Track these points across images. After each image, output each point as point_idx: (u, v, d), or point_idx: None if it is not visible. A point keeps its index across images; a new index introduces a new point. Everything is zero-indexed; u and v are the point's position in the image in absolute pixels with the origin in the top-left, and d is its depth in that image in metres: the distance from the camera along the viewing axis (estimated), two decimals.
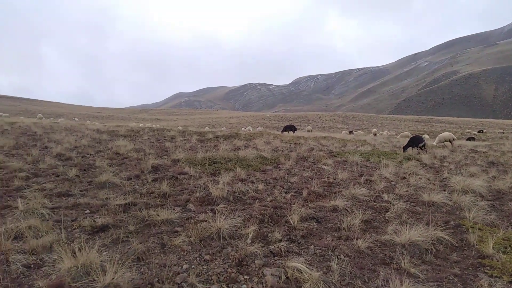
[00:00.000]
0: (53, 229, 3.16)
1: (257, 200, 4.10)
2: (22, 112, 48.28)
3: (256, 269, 2.48)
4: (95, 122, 24.79)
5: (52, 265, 2.50)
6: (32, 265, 2.52)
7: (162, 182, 4.70)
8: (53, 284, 2.22)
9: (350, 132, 29.08)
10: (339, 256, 2.69)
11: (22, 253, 2.64)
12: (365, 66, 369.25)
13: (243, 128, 26.83)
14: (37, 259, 2.60)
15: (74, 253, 2.54)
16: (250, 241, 2.89)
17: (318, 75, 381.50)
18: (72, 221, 3.42)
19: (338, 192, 4.56)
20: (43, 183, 4.70)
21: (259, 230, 3.16)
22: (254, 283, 2.30)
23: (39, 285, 2.21)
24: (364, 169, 6.49)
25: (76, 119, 38.38)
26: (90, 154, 7.29)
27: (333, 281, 2.33)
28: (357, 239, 2.91)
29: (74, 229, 3.23)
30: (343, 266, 2.53)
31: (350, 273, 2.46)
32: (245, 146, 9.14)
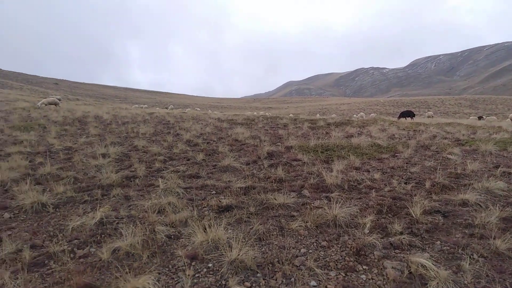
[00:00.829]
0: (186, 206, 5.44)
1: (374, 190, 6.11)
2: (157, 104, 77.43)
3: (376, 260, 3.72)
4: (215, 112, 35.85)
5: (188, 238, 4.41)
6: (172, 236, 4.59)
7: (278, 168, 7.66)
8: (189, 254, 3.99)
9: (480, 118, 41.44)
10: (471, 256, 3.73)
11: (164, 225, 4.85)
12: (499, 42, 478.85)
13: (354, 115, 39.54)
14: (175, 231, 4.69)
15: (205, 229, 4.34)
16: (368, 231, 4.38)
17: (440, 55, 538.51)
18: (202, 200, 5.71)
19: (468, 184, 6.30)
20: (177, 166, 8.04)
21: (377, 220, 4.73)
22: (374, 274, 3.44)
23: (178, 253, 4.07)
24: (500, 160, 8.56)
25: (198, 109, 55.78)
26: (213, 141, 11.71)
27: (465, 282, 3.25)
28: (494, 238, 4.00)
29: (203, 207, 5.39)
30: (477, 267, 3.50)
31: (487, 275, 3.35)
32: (358, 133, 13.06)
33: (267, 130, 14.85)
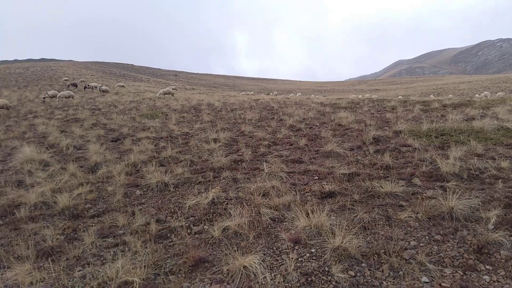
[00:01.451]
0: (289, 190, 5.49)
1: (500, 180, 5.38)
2: (262, 90, 79.72)
3: (502, 260, 3.31)
4: (318, 96, 35.20)
5: (291, 222, 4.47)
6: (276, 219, 4.70)
7: (384, 154, 7.16)
8: (292, 238, 4.04)
9: None
10: None
11: (268, 208, 4.99)
12: None
13: (477, 95, 36.27)
14: (279, 214, 4.79)
15: (308, 214, 4.34)
16: (492, 227, 3.91)
17: None
18: (304, 185, 5.69)
19: None
20: (280, 151, 8.18)
21: (504, 215, 4.17)
22: (500, 277, 3.01)
23: (282, 236, 4.16)
24: None
25: (299, 94, 55.55)
26: (316, 126, 11.45)
27: None
28: None
29: (306, 192, 5.38)
30: None
31: None
32: (481, 115, 11.67)
33: (373, 113, 13.98)
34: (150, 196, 5.89)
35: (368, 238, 3.84)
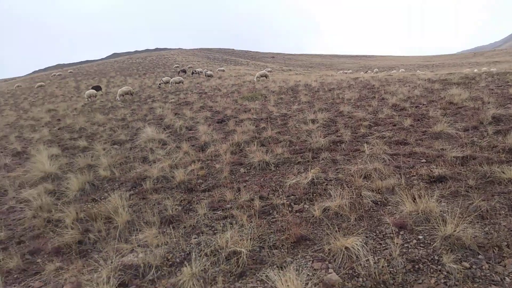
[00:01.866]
0: (393, 173, 5.21)
1: None
2: (361, 68, 75.82)
3: None
4: (425, 72, 31.53)
5: (395, 206, 4.26)
6: (378, 202, 4.53)
7: (507, 135, 6.31)
8: (397, 223, 3.86)
9: None
10: None
11: (370, 190, 4.83)
12: None
13: None
14: (382, 198, 4.60)
15: (414, 198, 4.08)
16: None
17: None
18: (410, 168, 5.33)
19: None
20: (382, 132, 7.75)
21: None
22: None
23: (386, 220, 4.00)
24: None
25: (402, 70, 50.87)
26: (423, 104, 10.45)
27: None
28: None
29: (412, 176, 5.03)
30: None
31: None
32: None
33: (492, 89, 12.27)
34: (253, 174, 6.18)
35: (487, 229, 3.44)
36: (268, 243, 3.74)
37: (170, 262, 3.66)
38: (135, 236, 4.27)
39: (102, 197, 5.77)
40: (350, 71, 50.91)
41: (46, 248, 4.33)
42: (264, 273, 3.21)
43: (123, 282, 3.37)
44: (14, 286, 3.62)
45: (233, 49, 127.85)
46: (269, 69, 37.34)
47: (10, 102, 25.82)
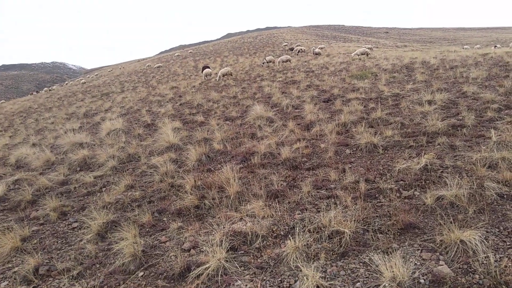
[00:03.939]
0: None
1: None
2: (493, 42, 65.31)
3: None
4: None
5: None
6: (505, 196, 3.98)
7: None
8: None
9: None
10: None
11: (495, 182, 4.27)
12: None
13: None
14: (510, 191, 4.05)
15: None
16: None
17: None
18: None
19: None
20: None
21: None
22: None
23: None
24: None
25: None
26: None
27: None
28: None
29: None
30: None
31: None
32: None
33: None
34: (359, 156, 6.00)
35: None
36: (372, 226, 3.66)
37: (275, 234, 3.87)
38: (244, 206, 4.60)
39: (216, 168, 6.31)
40: (479, 46, 44.17)
41: (170, 209, 4.97)
42: (367, 256, 3.18)
43: (233, 246, 3.70)
44: (146, 237, 4.27)
45: (343, 25, 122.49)
46: (370, 46, 34.71)
47: (142, 80, 29.55)
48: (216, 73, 22.64)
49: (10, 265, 4.09)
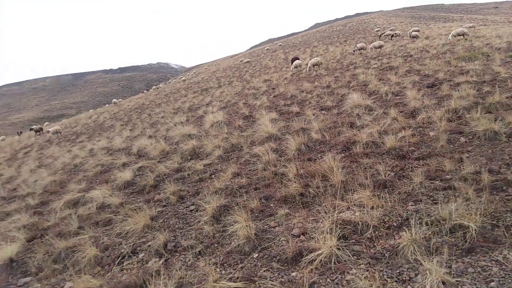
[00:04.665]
0: None
1: None
2: None
3: None
4: None
5: None
6: None
7: None
8: None
9: None
10: None
11: None
12: None
13: None
14: None
15: None
16: None
17: None
18: None
19: None
20: None
21: None
22: None
23: None
24: None
25: None
26: None
27: None
28: None
29: None
30: None
31: None
32: None
33: None
34: (477, 145, 5.36)
35: None
36: (504, 222, 3.24)
37: (387, 225, 3.70)
38: (350, 195, 4.49)
39: (316, 158, 6.27)
40: None
41: (276, 195, 5.10)
42: (500, 254, 2.84)
43: (343, 235, 3.64)
44: (256, 222, 4.46)
45: (442, 4, 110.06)
46: (471, 24, 30.28)
47: (236, 75, 30.78)
48: (306, 64, 22.41)
49: (144, 239, 4.67)
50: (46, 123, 47.58)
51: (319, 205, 4.55)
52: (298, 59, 26.06)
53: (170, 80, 78.00)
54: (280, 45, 59.25)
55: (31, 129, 30.75)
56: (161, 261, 4.03)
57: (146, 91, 57.98)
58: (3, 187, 10.66)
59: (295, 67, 22.77)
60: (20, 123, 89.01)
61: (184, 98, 23.57)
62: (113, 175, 8.09)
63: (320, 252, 3.34)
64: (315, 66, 20.58)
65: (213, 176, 6.64)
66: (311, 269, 3.22)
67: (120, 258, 4.38)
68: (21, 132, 44.58)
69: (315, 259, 3.29)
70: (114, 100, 43.31)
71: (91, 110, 47.17)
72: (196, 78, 45.66)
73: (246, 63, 41.93)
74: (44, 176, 10.49)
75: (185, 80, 48.43)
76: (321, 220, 4.04)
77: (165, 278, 3.49)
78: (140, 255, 4.31)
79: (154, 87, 59.19)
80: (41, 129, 28.55)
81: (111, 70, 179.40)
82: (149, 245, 4.42)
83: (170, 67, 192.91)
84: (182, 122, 12.82)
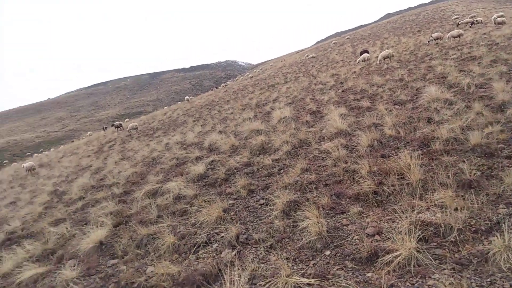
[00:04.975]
0: None
1: None
2: None
3: None
4: None
5: None
6: None
7: None
8: None
9: None
10: None
11: None
12: None
13: None
14: None
15: None
16: None
17: None
18: None
19: None
20: None
21: None
22: None
23: None
24: None
25: None
26: None
27: None
28: None
29: None
30: None
31: None
32: None
33: None
34: None
35: None
36: None
37: (474, 228, 3.39)
38: (430, 195, 4.18)
39: (390, 154, 5.95)
40: None
41: (347, 193, 4.95)
42: None
43: (423, 237, 3.41)
44: (327, 219, 4.37)
45: None
46: None
47: (302, 70, 30.46)
48: (377, 57, 21.35)
49: (217, 230, 4.86)
50: (127, 119, 51.98)
51: (395, 204, 4.31)
52: (367, 52, 24.94)
53: (237, 78, 80.00)
54: (347, 38, 57.21)
55: (112, 125, 33.90)
56: (233, 252, 4.16)
57: (215, 89, 60.18)
58: (93, 177, 11.86)
59: (362, 60, 21.84)
60: (105, 119, 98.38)
61: (251, 94, 23.97)
62: (187, 168, 8.55)
63: (397, 253, 3.17)
64: (386, 59, 19.51)
65: (281, 171, 6.67)
66: (388, 271, 3.07)
67: (195, 247, 4.61)
68: (105, 127, 49.28)
69: (393, 261, 3.13)
70: (187, 97, 45.60)
71: (165, 107, 50.29)
72: (263, 74, 46.15)
73: (312, 58, 41.25)
74: (126, 167, 11.47)
75: (252, 77, 49.25)
76: (397, 220, 3.82)
77: (239, 269, 3.59)
78: (214, 245, 4.50)
79: (222, 84, 61.23)
80: (121, 125, 31.26)
81: (183, 69, 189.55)
82: (222, 236, 4.58)
83: (237, 65, 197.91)
84: (250, 118, 13.05)
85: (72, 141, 56.55)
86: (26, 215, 9.66)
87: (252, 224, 4.84)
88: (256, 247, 4.16)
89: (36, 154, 50.71)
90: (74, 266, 5.19)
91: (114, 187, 9.26)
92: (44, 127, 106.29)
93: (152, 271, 4.32)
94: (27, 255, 6.21)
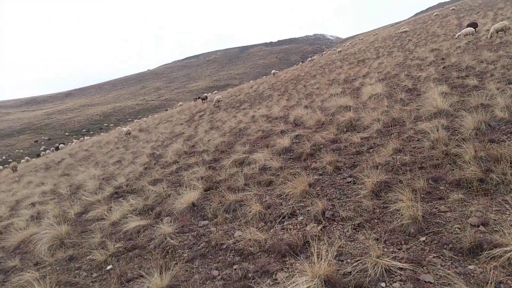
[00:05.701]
0: None
1: None
2: None
3: None
4: None
5: None
6: None
7: None
8: None
9: None
10: None
11: None
12: None
13: None
14: None
15: None
16: None
17: None
18: None
19: None
20: None
21: None
22: None
23: None
24: None
25: None
26: None
27: None
28: None
29: None
30: None
31: None
32: None
33: None
34: None
35: None
36: None
37: None
38: None
39: (502, 139, 5.23)
40: None
41: (447, 178, 4.53)
42: None
43: None
44: (422, 203, 4.07)
45: None
46: None
47: (397, 45, 28.10)
48: (487, 30, 18.62)
49: (302, 204, 4.89)
50: (215, 91, 54.50)
51: (505, 194, 3.82)
52: (476, 24, 21.88)
53: (324, 52, 77.45)
54: (452, 9, 50.60)
55: (199, 97, 36.10)
56: (319, 227, 4.16)
57: (301, 63, 59.23)
58: (185, 144, 12.80)
59: (464, 35, 19.23)
60: (195, 90, 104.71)
61: (339, 69, 23.04)
62: (272, 141, 8.69)
63: (508, 248, 2.83)
64: (499, 32, 16.89)
65: (371, 150, 6.36)
66: (495, 266, 2.77)
67: (280, 217, 4.72)
68: (196, 98, 52.43)
69: (502, 256, 2.81)
70: (273, 71, 45.77)
71: (251, 81, 51.33)
72: (352, 49, 43.82)
73: (404, 33, 37.71)
74: (215, 137, 12.12)
75: (340, 51, 47.14)
76: (508, 212, 3.40)
77: (325, 244, 3.59)
78: (299, 218, 4.55)
79: (309, 59, 59.87)
80: (206, 97, 33.14)
81: (270, 43, 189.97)
82: (308, 210, 4.60)
83: (325, 38, 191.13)
84: (337, 94, 12.60)
85: (166, 110, 61.62)
86: (129, 173, 10.89)
87: (338, 201, 4.75)
88: (342, 224, 4.10)
89: (136, 120, 56.58)
90: (170, 222, 5.73)
91: (204, 154, 9.87)
92: (143, 96, 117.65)
93: (240, 235, 4.56)
94: (131, 208, 7.04)
